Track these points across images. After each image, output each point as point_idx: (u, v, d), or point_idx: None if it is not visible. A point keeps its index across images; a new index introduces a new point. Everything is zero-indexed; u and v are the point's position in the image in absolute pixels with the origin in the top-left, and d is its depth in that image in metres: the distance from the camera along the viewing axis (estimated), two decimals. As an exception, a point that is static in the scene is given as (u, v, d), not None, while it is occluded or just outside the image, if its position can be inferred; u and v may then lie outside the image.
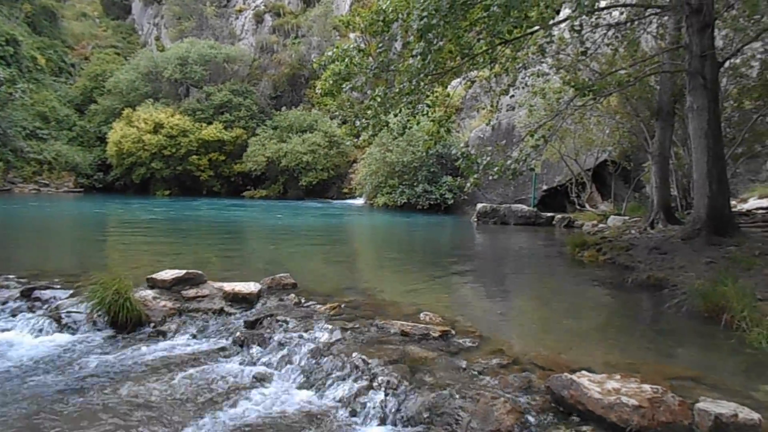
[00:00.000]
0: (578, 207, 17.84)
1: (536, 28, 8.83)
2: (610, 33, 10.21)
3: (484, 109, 15.34)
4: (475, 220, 18.44)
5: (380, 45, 9.47)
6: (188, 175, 33.04)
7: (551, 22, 8.65)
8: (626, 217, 14.40)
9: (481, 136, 21.59)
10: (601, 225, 14.75)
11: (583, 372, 3.38)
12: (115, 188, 35.21)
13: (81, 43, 45.62)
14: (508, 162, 8.67)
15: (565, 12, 14.10)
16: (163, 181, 33.16)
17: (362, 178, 25.81)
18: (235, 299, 5.79)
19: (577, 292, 7.51)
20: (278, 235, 14.53)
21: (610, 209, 16.55)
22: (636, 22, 10.42)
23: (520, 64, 10.07)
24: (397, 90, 9.07)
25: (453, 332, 4.63)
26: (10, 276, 6.57)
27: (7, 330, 5.05)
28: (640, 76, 10.11)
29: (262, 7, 41.56)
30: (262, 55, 38.80)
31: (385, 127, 9.86)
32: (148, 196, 31.98)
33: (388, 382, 3.58)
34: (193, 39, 37.26)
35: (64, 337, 4.96)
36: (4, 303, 5.58)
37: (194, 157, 32.44)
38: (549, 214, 17.80)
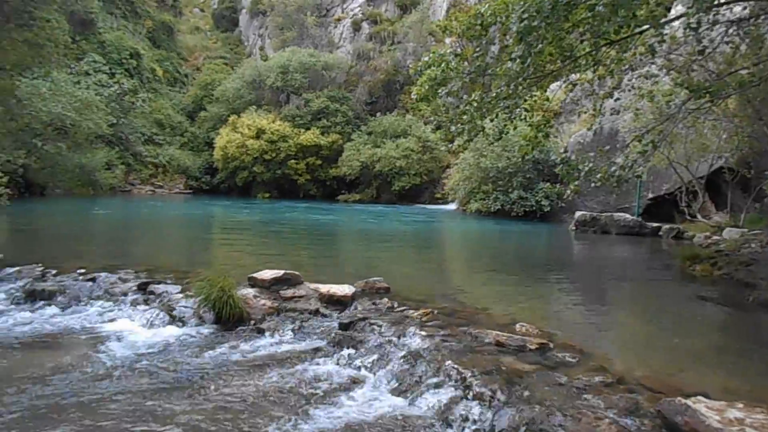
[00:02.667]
0: (688, 217, 16.59)
1: (645, 27, 8.33)
2: (730, 30, 9.41)
3: (585, 113, 14.67)
4: (573, 228, 17.69)
5: (477, 49, 9.34)
6: (287, 178, 34.37)
7: (663, 20, 8.11)
8: (745, 230, 13.18)
9: (581, 141, 20.70)
10: (715, 237, 13.61)
11: (699, 397, 3.11)
12: (220, 190, 37.36)
13: (194, 55, 48.98)
14: (612, 168, 8.22)
15: (677, 9, 13.17)
16: (264, 184, 34.71)
17: (455, 183, 25.59)
18: (330, 301, 5.91)
19: (688, 309, 6.96)
20: (371, 239, 14.73)
21: (726, 220, 15.24)
22: (761, 18, 9.53)
23: (627, 66, 9.54)
24: (494, 94, 8.89)
25: (551, 345, 4.44)
26: (130, 270, 7.13)
27: (128, 320, 5.49)
28: (765, 75, 9.23)
29: (360, 16, 42.51)
30: (359, 62, 39.66)
31: (481, 132, 9.71)
32: (250, 198, 33.63)
33: (483, 393, 3.48)
34: (294, 48, 38.80)
35: (174, 330, 5.29)
36: (124, 294, 6.07)
37: (293, 161, 33.71)
38: (655, 224, 16.69)
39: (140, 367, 4.27)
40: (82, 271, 6.88)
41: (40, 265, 7.06)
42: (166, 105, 39.96)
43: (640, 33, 8.45)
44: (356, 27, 42.20)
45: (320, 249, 12.41)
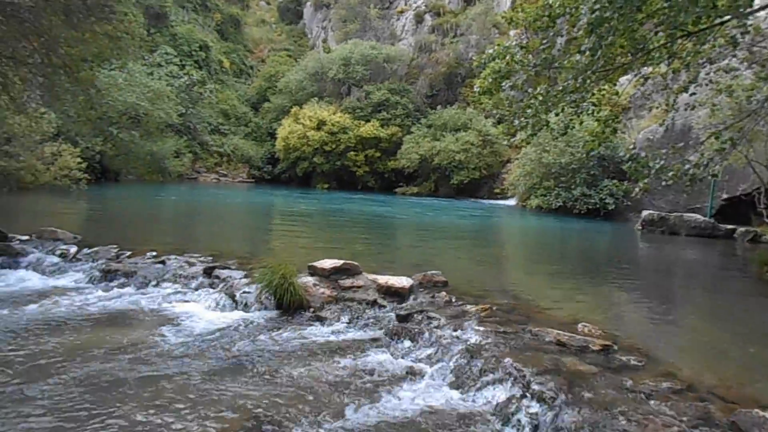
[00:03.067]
0: (767, 220, 15.64)
1: (727, 18, 7.87)
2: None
3: (656, 108, 14.00)
4: (639, 228, 17.00)
5: (544, 41, 9.10)
6: (346, 170, 34.73)
7: (748, 10, 7.64)
8: (830, 235, 12.31)
9: (651, 137, 19.83)
10: (795, 242, 12.77)
11: (778, 410, 2.94)
12: (281, 180, 38.18)
13: (259, 47, 50.13)
14: (686, 167, 7.84)
15: (762, -2, 12.40)
16: (323, 175, 35.22)
17: (515, 178, 25.10)
18: (388, 292, 5.95)
19: (764, 316, 6.57)
20: (428, 232, 14.70)
21: (810, 225, 14.28)
22: None
23: (704, 59, 9.05)
24: (561, 88, 8.65)
25: (615, 347, 4.31)
26: (196, 254, 7.42)
27: (193, 302, 5.72)
28: None
29: (423, 8, 42.24)
30: (420, 55, 39.45)
31: (545, 127, 9.47)
32: (309, 188, 34.22)
33: (544, 392, 3.42)
34: (356, 40, 39.02)
35: (237, 314, 5.48)
36: (191, 278, 6.33)
37: (352, 153, 34.01)
38: (729, 226, 15.80)
39: (204, 348, 4.44)
40: (153, 253, 7.22)
41: (115, 246, 7.46)
42: (231, 96, 41.15)
43: (721, 24, 8.00)
44: (419, 19, 41.96)
45: (377, 240, 12.49)
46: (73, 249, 7.27)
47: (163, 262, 6.85)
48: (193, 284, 6.23)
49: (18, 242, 7.49)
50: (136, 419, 3.12)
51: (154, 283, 6.27)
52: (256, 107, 42.34)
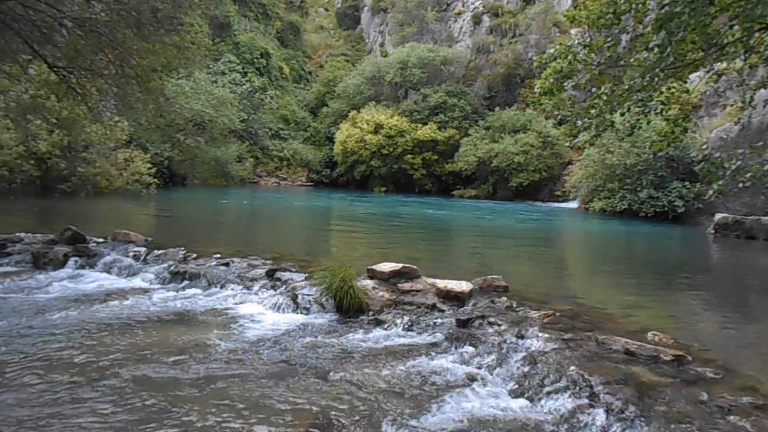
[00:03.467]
0: None
1: (810, 8, 7.36)
2: None
3: (731, 105, 13.26)
4: (712, 232, 16.13)
5: (608, 39, 8.82)
6: (403, 173, 34.82)
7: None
8: None
9: (724, 136, 18.80)
10: None
11: None
12: (339, 183, 38.71)
13: (317, 53, 51.09)
14: (766, 167, 7.38)
15: None
16: (380, 178, 35.44)
17: (577, 180, 24.40)
18: (447, 296, 5.88)
19: None
20: (486, 235, 14.50)
21: None
22: None
23: (785, 52, 8.50)
24: (627, 87, 8.36)
25: (689, 358, 4.09)
26: (258, 257, 7.60)
27: (256, 303, 5.86)
28: None
29: (481, 9, 41.82)
30: (478, 56, 39.05)
31: (610, 127, 9.17)
32: (366, 192, 34.50)
33: (612, 403, 3.29)
34: (413, 43, 39.08)
35: (297, 316, 5.57)
36: (254, 280, 6.49)
37: (409, 156, 34.05)
38: (813, 231, 14.78)
39: (267, 349, 4.53)
40: (218, 255, 7.46)
41: (182, 248, 7.76)
42: (291, 101, 42.13)
43: (805, 14, 7.51)
44: (476, 20, 41.57)
45: (435, 243, 12.43)
46: (144, 251, 7.61)
47: (227, 264, 7.05)
48: (256, 286, 6.38)
49: (95, 244, 7.92)
50: (199, 418, 3.21)
51: (219, 284, 6.47)
52: (314, 112, 43.18)
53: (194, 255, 7.50)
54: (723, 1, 7.17)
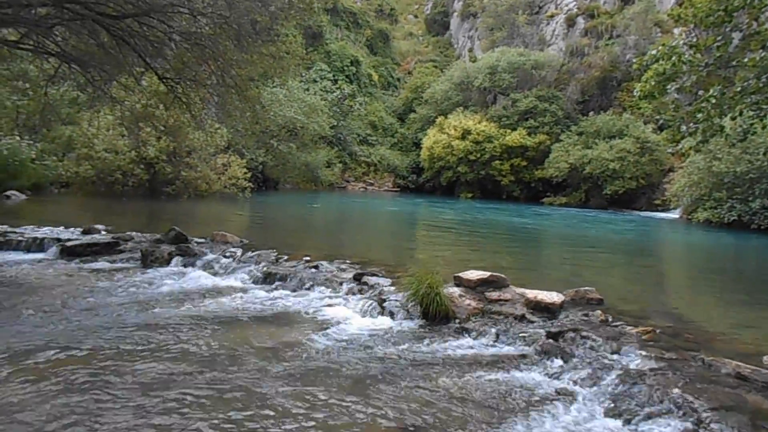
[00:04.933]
0: None
1: None
2: None
3: None
4: (837, 247, 14.58)
5: (718, 38, 8.23)
6: (490, 179, 34.28)
7: None
8: None
9: None
10: None
11: None
12: (425, 189, 38.74)
13: (406, 60, 51.53)
14: None
15: None
16: (467, 184, 35.09)
17: (679, 188, 22.87)
18: (537, 307, 5.70)
19: None
20: (578, 245, 13.92)
21: None
22: None
23: None
24: (739, 89, 7.76)
25: (812, 387, 3.69)
26: (346, 261, 7.76)
27: (344, 306, 5.97)
28: None
29: (575, 10, 40.38)
30: (572, 59, 37.71)
31: (719, 133, 8.55)
32: (453, 197, 34.26)
33: (722, 431, 3.03)
34: (503, 48, 38.44)
35: (384, 321, 5.60)
36: (342, 283, 6.61)
37: (497, 162, 33.48)
38: None
39: (353, 352, 4.60)
40: (308, 258, 7.68)
41: (274, 250, 8.07)
42: (379, 108, 42.75)
43: None
44: (570, 23, 40.18)
45: (524, 252, 12.10)
46: (240, 252, 7.98)
47: (316, 267, 7.25)
48: (344, 289, 6.49)
49: (196, 244, 8.42)
50: (287, 418, 3.30)
51: (308, 286, 6.65)
52: (402, 118, 43.54)
53: (285, 257, 7.78)
54: None
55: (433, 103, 39.66)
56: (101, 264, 7.45)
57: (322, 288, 6.60)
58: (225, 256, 7.83)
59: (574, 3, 40.75)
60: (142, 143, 17.05)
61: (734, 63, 8.14)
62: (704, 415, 3.22)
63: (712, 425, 3.10)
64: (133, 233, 8.79)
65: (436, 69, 47.40)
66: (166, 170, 17.60)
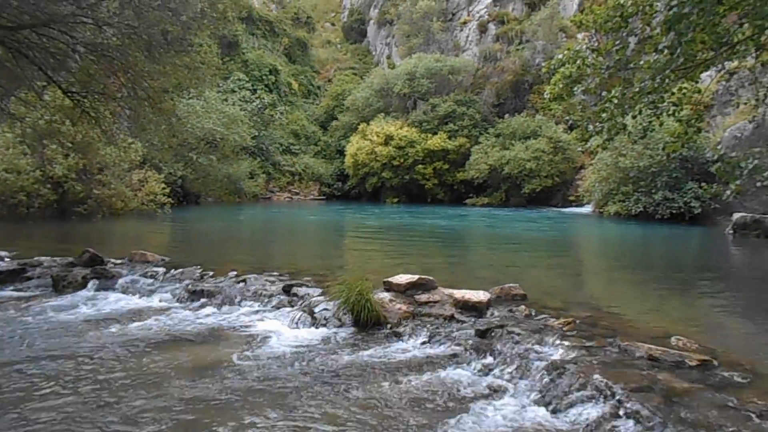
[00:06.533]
0: None
1: (822, 2, 7.29)
2: None
3: (744, 104, 13.14)
4: (731, 232, 15.92)
5: (616, 42, 8.79)
6: (415, 183, 34.83)
7: None
8: None
9: (738, 135, 18.60)
10: None
11: None
12: (351, 196, 38.80)
13: (325, 68, 51.45)
14: (784, 165, 7.28)
15: None
16: (392, 189, 35.48)
17: (590, 184, 24.23)
18: (465, 307, 5.84)
19: None
20: (501, 243, 14.42)
21: None
22: None
23: (797, 48, 8.41)
24: (637, 89, 8.31)
25: (715, 363, 4.02)
26: (274, 273, 7.63)
27: (274, 320, 5.87)
28: None
29: (486, 17, 41.91)
30: (485, 64, 39.08)
31: (622, 131, 9.12)
32: (379, 203, 34.53)
33: (639, 411, 3.24)
34: (420, 54, 39.21)
35: (316, 331, 5.56)
36: (270, 296, 6.50)
37: (420, 166, 34.07)
38: (834, 227, 14.53)
39: (286, 365, 4.54)
40: (234, 273, 7.49)
41: (199, 267, 7.80)
42: (301, 116, 42.42)
43: (816, 9, 7.43)
44: (482, 29, 41.66)
45: (450, 253, 12.38)
46: (161, 270, 7.66)
47: (243, 281, 7.08)
48: (273, 302, 6.39)
49: (112, 265, 7.99)
50: (226, 436, 3.21)
51: (236, 301, 6.50)
52: (324, 126, 43.42)
53: (211, 273, 7.54)
54: (731, 0, 7.12)
55: (354, 110, 39.83)
56: (7, 293, 6.91)
57: (251, 302, 6.46)
58: (145, 276, 7.49)
59: (486, 10, 42.28)
60: (47, 162, 15.99)
61: (632, 65, 8.67)
62: (622, 397, 3.42)
63: (629, 406, 3.30)
64: (42, 258, 8.20)
65: (355, 76, 47.65)
66: (76, 189, 16.58)
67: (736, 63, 8.93)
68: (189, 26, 9.08)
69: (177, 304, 6.57)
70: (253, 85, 37.90)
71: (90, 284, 7.20)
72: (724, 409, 3.23)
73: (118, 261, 8.36)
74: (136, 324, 5.65)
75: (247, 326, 5.68)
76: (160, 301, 6.73)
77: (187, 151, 24.13)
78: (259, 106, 35.39)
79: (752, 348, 4.95)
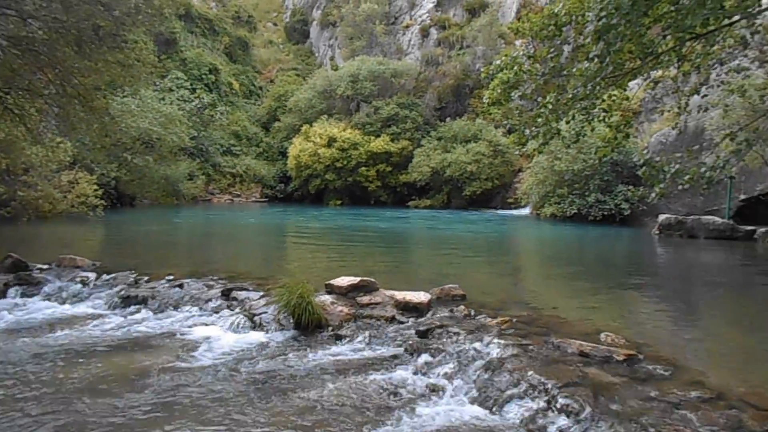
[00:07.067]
0: (787, 219, 15.39)
1: (735, 18, 7.82)
2: (832, 16, 8.67)
3: (668, 111, 13.90)
4: (657, 233, 16.81)
5: (551, 50, 9.10)
6: (358, 185, 34.84)
7: (756, 9, 7.59)
8: None
9: (663, 141, 19.69)
10: (818, 241, 12.54)
11: (813, 418, 2.86)
12: (294, 198, 38.38)
13: (267, 68, 50.72)
14: (702, 169, 7.74)
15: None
16: (336, 191, 35.36)
17: (528, 187, 25.01)
18: (406, 308, 5.91)
19: (791, 320, 6.44)
20: (443, 245, 14.65)
21: (831, 222, 14.00)
22: None
23: (714, 60, 8.98)
24: (570, 95, 8.63)
25: (640, 357, 4.24)
26: (213, 277, 7.45)
27: (212, 325, 5.73)
28: None
29: (428, 21, 42.52)
30: (428, 68, 39.62)
31: (556, 135, 9.44)
32: (322, 205, 34.34)
33: (569, 405, 3.37)
34: (363, 57, 39.33)
35: (256, 335, 5.47)
36: (209, 300, 6.35)
37: (363, 168, 34.13)
38: (749, 227, 15.57)
39: (225, 370, 4.44)
40: (171, 277, 7.26)
41: (133, 271, 7.52)
42: (242, 117, 41.62)
43: (729, 25, 7.96)
44: (424, 33, 42.24)
45: (393, 255, 12.47)
46: (92, 276, 7.34)
47: (181, 286, 6.88)
48: (211, 307, 6.24)
49: (38, 271, 7.58)
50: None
51: (172, 307, 6.30)
52: (266, 127, 42.77)
53: (146, 278, 7.29)
54: (656, 13, 7.52)
55: (297, 112, 39.45)
56: None
57: (188, 307, 6.29)
58: (75, 282, 7.15)
59: (428, 14, 42.89)
60: (-34, 162, 14.99)
61: (565, 73, 8.99)
62: (554, 392, 3.55)
63: (561, 400, 3.43)
64: (-41, 265, 7.69)
65: (298, 77, 47.21)
66: (-2, 190, 15.62)
67: (660, 72, 9.42)
68: (122, 22, 8.76)
69: (109, 311, 6.31)
70: (192, 85, 36.89)
71: (12, 291, 6.81)
72: (648, 401, 3.41)
73: (45, 266, 7.93)
74: (62, 333, 5.38)
75: (183, 332, 5.52)
76: (91, 307, 6.44)
77: (121, 151, 23.19)
78: (198, 106, 34.47)
79: (674, 342, 5.25)
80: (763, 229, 15.24)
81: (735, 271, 10.75)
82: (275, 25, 60.84)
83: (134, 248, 12.32)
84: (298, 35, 56.65)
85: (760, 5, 7.87)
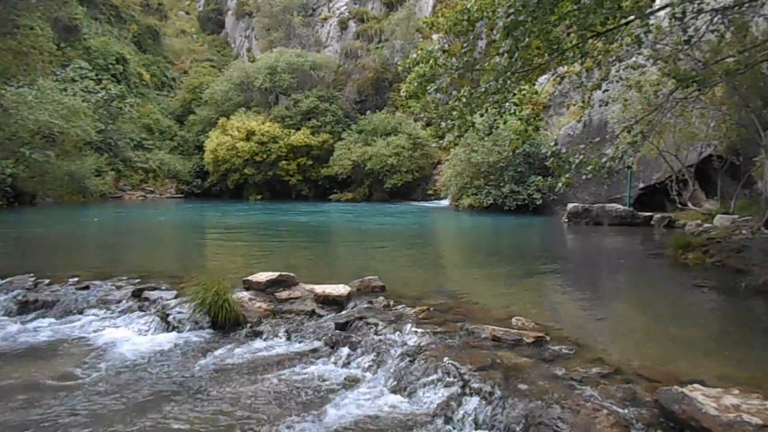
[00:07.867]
0: (679, 206, 16.69)
1: (631, 18, 8.36)
2: (715, 19, 9.45)
3: (574, 105, 14.70)
4: (566, 220, 17.76)
5: (465, 45, 9.34)
6: (278, 179, 34.29)
7: (648, 10, 8.15)
8: (735, 216, 13.27)
9: (571, 133, 20.78)
10: (706, 225, 13.70)
11: (696, 385, 3.13)
12: (212, 194, 37.19)
13: (180, 59, 48.69)
14: (603, 160, 8.26)
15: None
16: (255, 186, 34.61)
17: (447, 179, 25.63)
18: (326, 301, 5.90)
19: (682, 298, 7.01)
20: (364, 237, 14.73)
21: (717, 208, 15.33)
22: (745, 6, 9.58)
23: (614, 57, 9.57)
24: (483, 89, 8.90)
25: (548, 338, 4.47)
26: (123, 277, 7.09)
27: (122, 327, 5.45)
28: (751, 63, 9.29)
29: (346, 14, 42.44)
30: (347, 61, 39.58)
31: (471, 128, 9.72)
32: (242, 200, 33.53)
33: (482, 388, 3.50)
34: (281, 48, 38.67)
35: (170, 336, 5.26)
36: (118, 302, 6.03)
37: (284, 162, 33.62)
38: (647, 214, 16.78)
39: (136, 374, 4.25)
40: (75, 279, 6.84)
41: (32, 275, 7.00)
42: (154, 110, 39.74)
43: (626, 24, 8.49)
44: (343, 26, 42.14)
45: (314, 249, 12.40)
46: (-16, 281, 6.76)
47: (86, 288, 6.49)
48: (122, 309, 5.93)
49: None
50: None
51: (77, 311, 5.93)
52: (181, 120, 41.09)
53: (47, 280, 6.81)
54: (561, 11, 7.89)
55: (213, 104, 38.22)
56: None
57: (95, 310, 5.94)
58: (-37, 289, 6.56)
59: (346, 7, 42.78)
60: None
61: (478, 67, 9.26)
62: (468, 376, 3.68)
63: (474, 384, 3.56)
64: None
65: (214, 69, 45.72)
66: None
67: (566, 68, 9.90)
68: (15, 5, 8.12)
69: (4, 318, 5.85)
70: (97, 75, 34.77)
71: None
72: (553, 379, 3.61)
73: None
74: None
75: (90, 337, 5.21)
76: (-18, 315, 5.94)
77: (17, 146, 21.54)
78: (105, 98, 32.51)
79: (579, 322, 5.58)
80: (659, 216, 16.46)
81: (635, 255, 11.55)
82: (188, 14, 58.49)
83: (34, 250, 11.48)
84: (212, 25, 54.79)
85: (651, 6, 8.45)
